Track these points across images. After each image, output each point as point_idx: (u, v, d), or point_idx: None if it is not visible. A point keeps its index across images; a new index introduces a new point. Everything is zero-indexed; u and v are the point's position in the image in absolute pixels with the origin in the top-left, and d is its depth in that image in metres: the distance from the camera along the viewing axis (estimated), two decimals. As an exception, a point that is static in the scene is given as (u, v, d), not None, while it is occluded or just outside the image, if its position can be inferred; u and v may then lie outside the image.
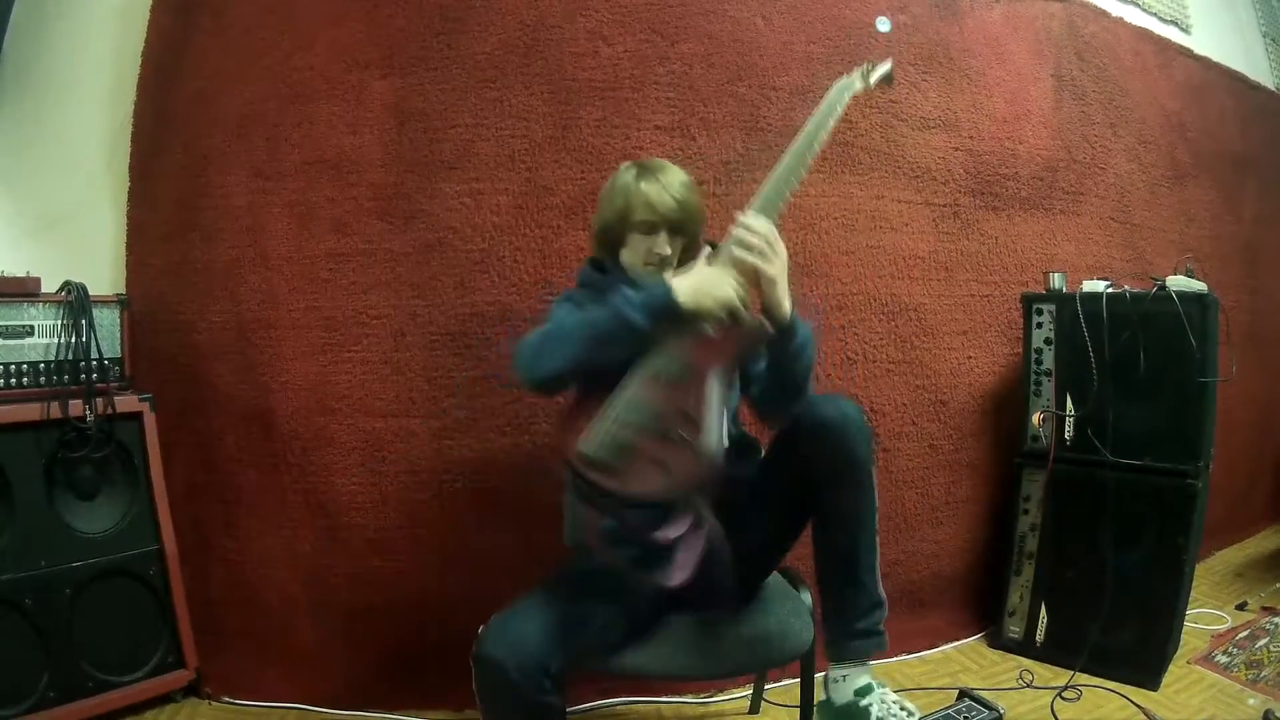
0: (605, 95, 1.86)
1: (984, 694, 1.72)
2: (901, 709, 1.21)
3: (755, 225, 1.18)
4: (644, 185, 1.31)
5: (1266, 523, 3.15)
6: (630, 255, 1.36)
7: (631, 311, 1.17)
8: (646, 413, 1.16)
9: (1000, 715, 1.63)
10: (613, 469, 1.15)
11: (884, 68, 1.46)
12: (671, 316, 1.18)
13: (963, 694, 1.72)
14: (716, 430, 1.15)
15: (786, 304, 1.21)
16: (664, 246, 1.32)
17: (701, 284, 1.18)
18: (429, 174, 1.82)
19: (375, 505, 1.81)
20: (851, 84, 1.39)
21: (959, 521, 2.20)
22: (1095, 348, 1.94)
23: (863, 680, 1.23)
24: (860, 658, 1.25)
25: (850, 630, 1.25)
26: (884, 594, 1.28)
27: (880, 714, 1.22)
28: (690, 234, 1.36)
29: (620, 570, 1.21)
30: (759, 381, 1.34)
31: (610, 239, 1.38)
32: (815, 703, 1.32)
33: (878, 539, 1.28)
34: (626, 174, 1.36)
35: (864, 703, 1.22)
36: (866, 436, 1.24)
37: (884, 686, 1.24)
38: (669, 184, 1.32)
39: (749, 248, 1.17)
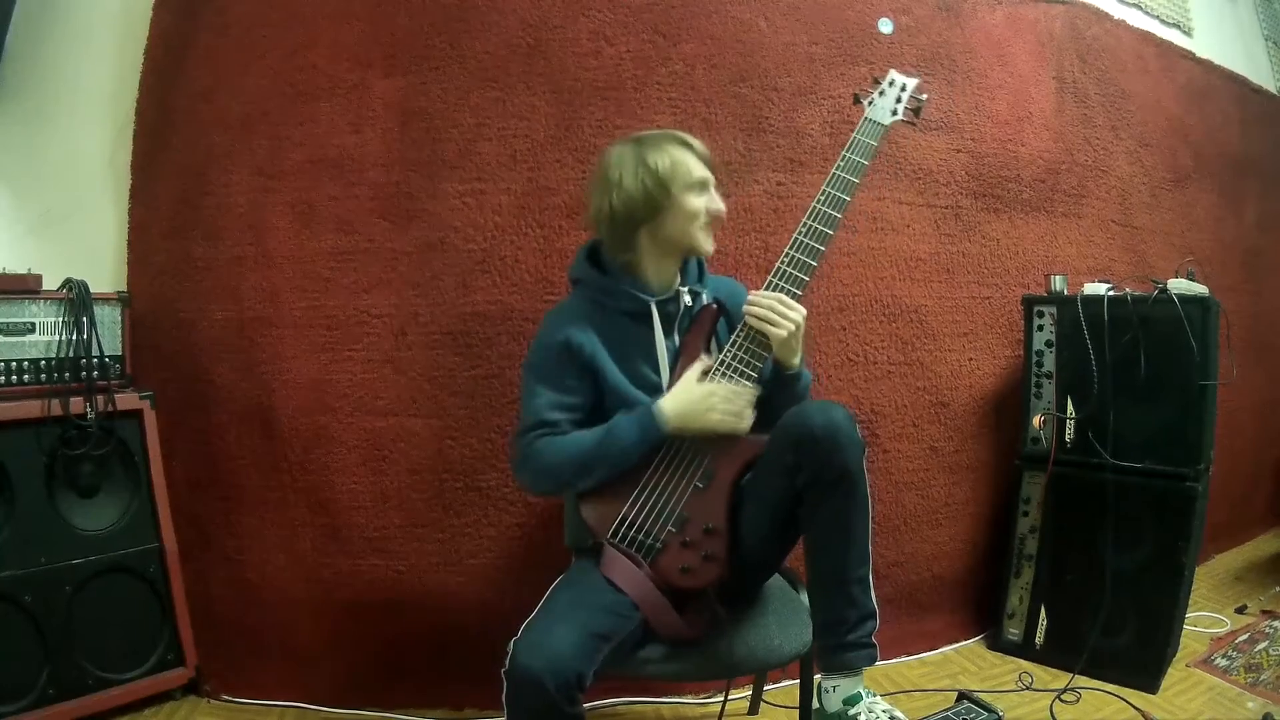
0: (607, 95, 1.86)
1: (983, 696, 1.73)
2: (891, 718, 1.21)
3: (760, 300, 1.28)
4: (678, 146, 1.32)
5: (1266, 526, 3.16)
6: (677, 224, 1.32)
7: (622, 441, 1.26)
8: (666, 515, 1.27)
9: (999, 717, 1.63)
10: (636, 559, 1.26)
11: (911, 88, 1.48)
12: (661, 439, 1.28)
13: (962, 696, 1.72)
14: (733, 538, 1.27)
15: (796, 360, 1.31)
16: (718, 201, 1.36)
17: (689, 410, 1.27)
18: (431, 173, 1.82)
19: (376, 504, 1.81)
20: (880, 120, 1.42)
21: (959, 523, 2.20)
22: (1096, 350, 1.94)
23: (853, 690, 1.22)
24: (849, 669, 1.23)
25: (840, 643, 1.23)
26: (875, 604, 1.26)
27: None
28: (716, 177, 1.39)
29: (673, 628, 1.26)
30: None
31: (642, 216, 1.31)
32: (814, 708, 1.32)
33: (870, 549, 1.25)
34: (636, 147, 1.33)
35: (852, 712, 1.21)
36: (856, 446, 1.20)
37: (874, 695, 1.23)
38: (693, 139, 1.35)
39: (758, 318, 1.28)
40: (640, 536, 1.27)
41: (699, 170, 1.33)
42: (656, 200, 1.30)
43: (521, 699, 1.08)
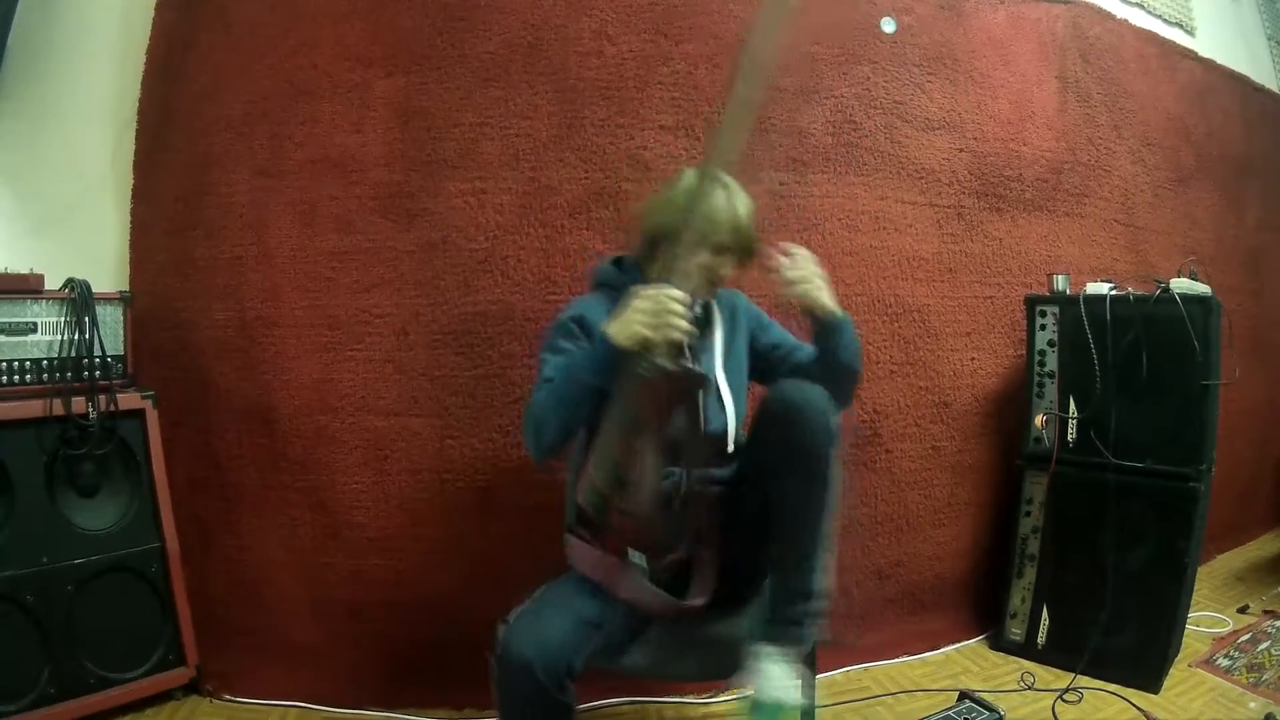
0: (609, 95, 1.86)
1: (985, 696, 1.73)
2: (777, 700, 1.18)
3: (803, 265, 1.30)
4: (725, 205, 1.32)
5: (1268, 526, 3.15)
6: (682, 264, 1.30)
7: (582, 370, 1.23)
8: (607, 463, 1.21)
9: (1001, 717, 1.63)
10: (601, 518, 1.23)
11: None
12: (616, 361, 1.19)
13: (963, 695, 1.72)
14: (650, 483, 1.20)
15: (825, 299, 1.30)
16: (728, 269, 1.36)
17: (620, 320, 1.20)
18: (432, 173, 1.82)
19: (377, 504, 1.81)
20: None
21: (961, 523, 2.20)
22: (1098, 350, 1.94)
23: (772, 665, 1.19)
24: (778, 643, 1.21)
25: (774, 617, 1.22)
26: (823, 589, 1.23)
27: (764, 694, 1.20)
28: (745, 262, 1.39)
29: (644, 603, 1.23)
30: (801, 373, 1.39)
31: (669, 244, 1.32)
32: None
33: (828, 534, 1.22)
34: (709, 188, 1.30)
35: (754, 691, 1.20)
36: (823, 429, 1.18)
37: (787, 676, 1.20)
38: (745, 209, 1.35)
39: (802, 280, 1.29)
40: (602, 506, 1.24)
41: (722, 235, 1.32)
42: (677, 234, 1.31)
43: (511, 684, 1.10)
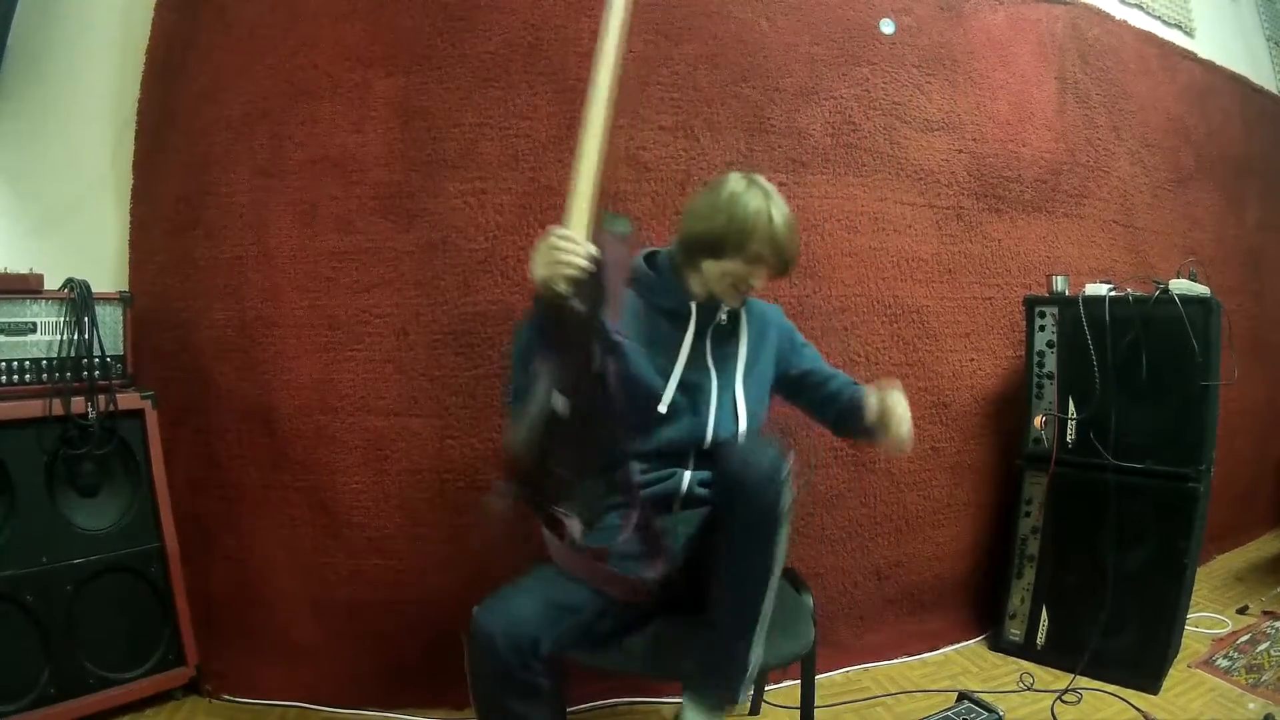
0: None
1: (984, 696, 1.73)
2: None
3: (901, 409, 1.29)
4: (773, 220, 1.32)
5: (1268, 527, 3.15)
6: (718, 270, 1.36)
7: (525, 325, 1.22)
8: (519, 409, 1.17)
9: (999, 717, 1.63)
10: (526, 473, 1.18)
11: None
12: (546, 313, 1.16)
13: (962, 696, 1.72)
14: (536, 410, 1.14)
15: (908, 441, 1.30)
16: (759, 280, 1.37)
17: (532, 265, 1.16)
18: (432, 173, 1.82)
19: (377, 504, 1.81)
20: None
21: (960, 524, 2.20)
22: (1097, 351, 1.94)
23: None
24: (703, 705, 1.22)
25: (703, 681, 1.22)
26: (755, 660, 1.20)
27: None
28: (782, 275, 1.40)
29: (605, 578, 1.22)
30: (825, 411, 1.49)
31: (705, 248, 1.36)
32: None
33: (765, 605, 1.19)
34: (751, 195, 1.34)
35: None
36: (773, 503, 1.14)
37: None
38: (791, 225, 1.35)
39: (897, 421, 1.29)
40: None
41: (760, 247, 1.33)
42: (719, 244, 1.34)
43: (475, 658, 1.12)
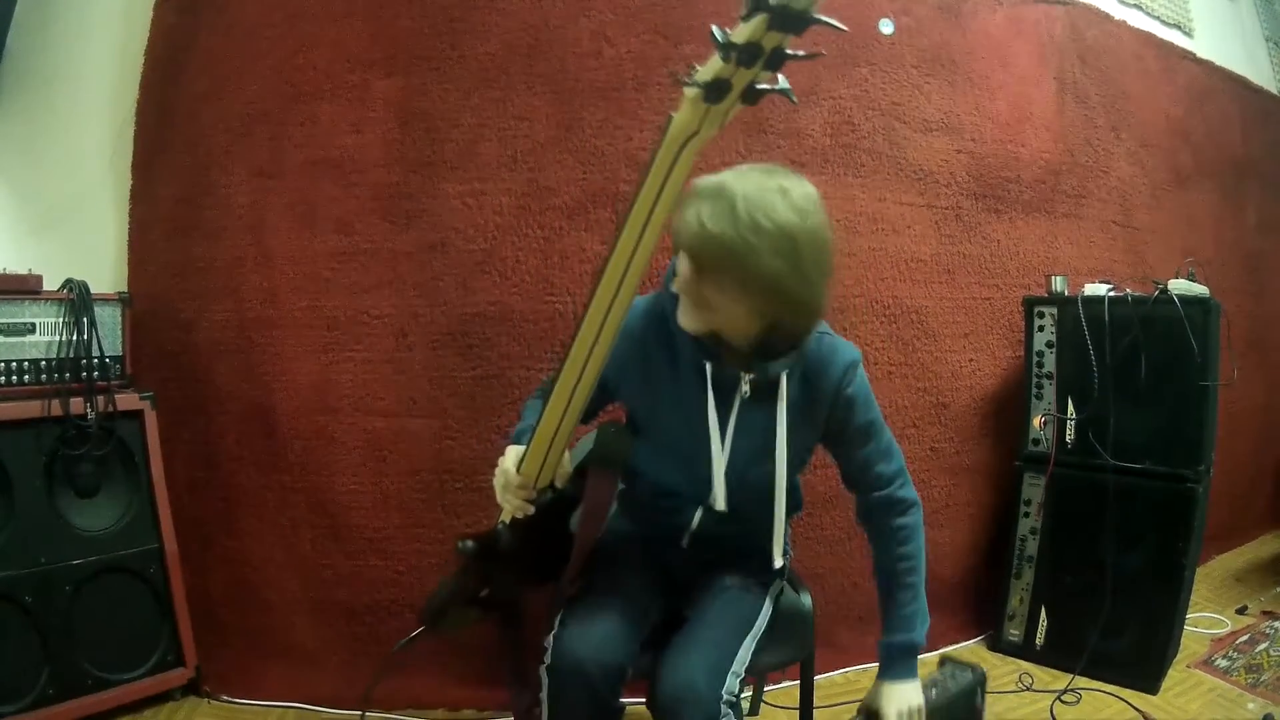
0: (608, 96, 1.86)
1: (984, 697, 1.72)
2: None
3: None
4: (690, 206, 1.07)
5: (1267, 527, 3.15)
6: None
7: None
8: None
9: (983, 674, 1.57)
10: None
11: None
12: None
13: (944, 660, 1.71)
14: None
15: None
16: (682, 264, 1.06)
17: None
18: (431, 174, 1.82)
19: (376, 505, 1.81)
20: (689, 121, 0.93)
21: (959, 524, 2.20)
22: (1097, 351, 1.94)
23: None
24: None
25: None
26: None
27: None
28: (711, 272, 1.04)
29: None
30: (853, 485, 1.37)
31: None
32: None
33: None
34: (752, 197, 1.09)
35: None
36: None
37: None
38: (704, 211, 1.06)
39: None
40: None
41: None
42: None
43: (565, 691, 1.05)
